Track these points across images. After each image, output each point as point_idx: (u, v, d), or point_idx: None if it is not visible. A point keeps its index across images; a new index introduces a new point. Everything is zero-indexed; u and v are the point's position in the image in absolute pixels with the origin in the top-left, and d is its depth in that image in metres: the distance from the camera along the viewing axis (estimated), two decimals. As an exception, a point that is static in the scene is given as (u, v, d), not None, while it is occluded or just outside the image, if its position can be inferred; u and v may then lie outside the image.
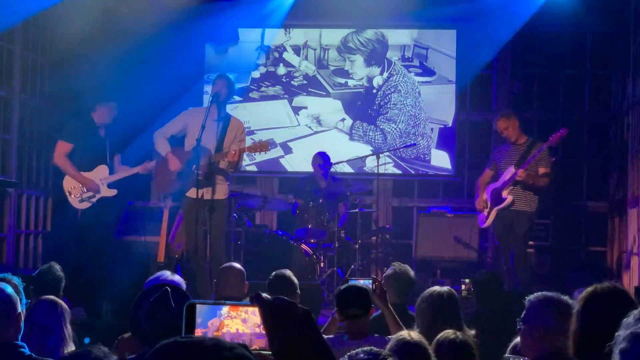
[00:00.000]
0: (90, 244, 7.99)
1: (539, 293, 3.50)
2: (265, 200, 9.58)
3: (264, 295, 1.61)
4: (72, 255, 7.97)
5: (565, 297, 3.49)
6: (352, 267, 8.81)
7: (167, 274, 2.85)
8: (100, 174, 8.08)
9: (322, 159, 9.36)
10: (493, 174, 8.45)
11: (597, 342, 2.51)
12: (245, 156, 8.78)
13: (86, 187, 7.99)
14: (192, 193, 7.15)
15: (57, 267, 5.48)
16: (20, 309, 3.45)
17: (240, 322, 1.79)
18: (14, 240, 9.27)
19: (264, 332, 1.61)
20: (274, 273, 5.28)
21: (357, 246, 8.88)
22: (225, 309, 1.79)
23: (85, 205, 8.02)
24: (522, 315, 3.44)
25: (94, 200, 8.03)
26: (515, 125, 8.16)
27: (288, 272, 5.27)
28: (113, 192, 8.14)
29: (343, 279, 7.26)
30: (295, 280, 5.24)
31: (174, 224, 8.68)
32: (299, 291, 5.18)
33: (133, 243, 8.63)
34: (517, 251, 8.13)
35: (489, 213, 8.23)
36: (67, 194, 8.05)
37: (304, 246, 8.82)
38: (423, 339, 3.15)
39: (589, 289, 3.20)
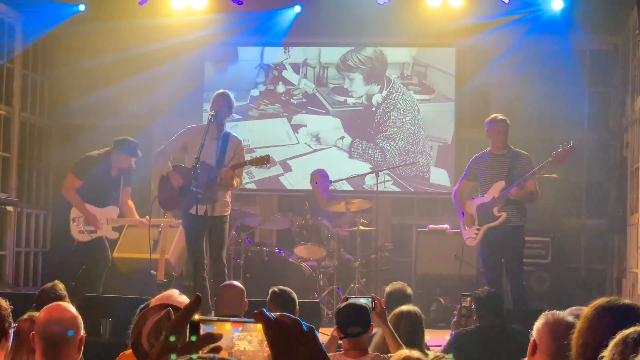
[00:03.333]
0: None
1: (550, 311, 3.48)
2: (264, 218, 9.58)
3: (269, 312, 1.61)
4: (71, 273, 7.96)
5: (564, 316, 3.47)
6: (352, 285, 8.79)
7: (176, 293, 2.84)
8: (108, 213, 8.01)
9: (320, 176, 9.37)
10: (472, 185, 8.07)
11: None
12: (244, 174, 8.77)
13: (88, 221, 7.92)
14: (192, 210, 7.13)
15: (61, 286, 5.48)
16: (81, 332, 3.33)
17: (246, 342, 1.78)
18: (14, 258, 9.27)
19: (267, 349, 1.61)
20: (275, 288, 5.29)
21: (357, 264, 8.87)
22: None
23: (84, 237, 7.95)
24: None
25: (93, 235, 7.95)
26: (507, 134, 7.76)
27: (288, 289, 5.29)
28: (114, 235, 8.14)
29: (342, 297, 7.23)
30: (295, 296, 5.26)
31: (174, 242, 8.67)
32: (298, 307, 5.19)
33: (132, 261, 8.62)
34: (514, 269, 7.70)
35: (478, 230, 7.83)
36: (72, 220, 7.98)
37: (303, 264, 8.81)
38: (424, 357, 3.14)
39: None
